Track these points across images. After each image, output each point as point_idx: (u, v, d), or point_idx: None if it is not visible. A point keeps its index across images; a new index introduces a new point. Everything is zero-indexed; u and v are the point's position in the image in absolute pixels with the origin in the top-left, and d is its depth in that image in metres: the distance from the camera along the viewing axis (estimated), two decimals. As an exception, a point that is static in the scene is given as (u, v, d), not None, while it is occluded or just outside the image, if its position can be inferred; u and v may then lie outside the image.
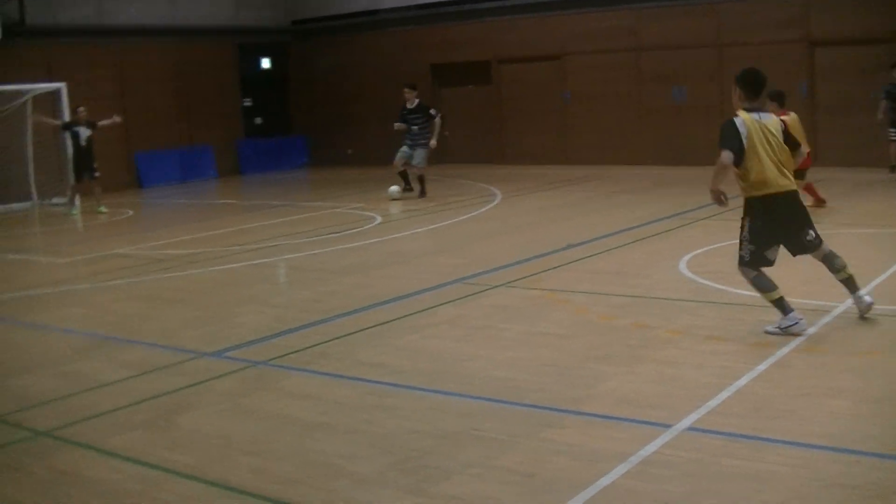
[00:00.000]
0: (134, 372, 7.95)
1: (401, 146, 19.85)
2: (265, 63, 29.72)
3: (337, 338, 8.71)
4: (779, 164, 7.93)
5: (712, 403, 6.34)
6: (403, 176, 19.81)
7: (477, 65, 26.63)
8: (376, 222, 16.21)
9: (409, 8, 27.55)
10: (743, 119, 7.91)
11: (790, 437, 5.70)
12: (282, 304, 10.44)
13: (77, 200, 20.59)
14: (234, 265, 12.81)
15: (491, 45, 26.28)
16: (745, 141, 7.84)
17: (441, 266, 11.89)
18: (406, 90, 19.80)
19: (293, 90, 30.27)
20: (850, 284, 8.26)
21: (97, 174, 20.14)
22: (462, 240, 13.84)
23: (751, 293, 9.32)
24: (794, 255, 8.28)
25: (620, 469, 5.34)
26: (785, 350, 7.49)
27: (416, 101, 19.69)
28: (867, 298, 8.23)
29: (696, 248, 12.05)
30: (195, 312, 10.16)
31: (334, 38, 29.11)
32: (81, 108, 20.27)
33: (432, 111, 19.64)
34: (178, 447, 6.19)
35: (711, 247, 12.09)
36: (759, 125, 7.92)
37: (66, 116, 21.33)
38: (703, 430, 5.88)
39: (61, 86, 22.12)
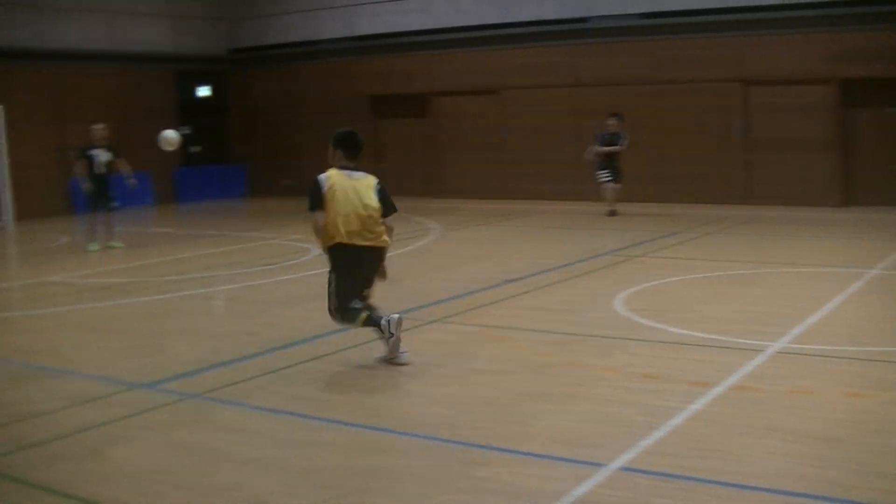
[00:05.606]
0: (67, 403, 7.83)
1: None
2: (204, 91, 29.52)
3: (273, 371, 8.65)
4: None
5: (646, 442, 6.39)
6: None
7: (414, 97, 26.72)
8: (313, 254, 16.12)
9: (347, 39, 27.59)
10: (328, 175, 8.53)
11: (724, 476, 5.76)
12: (217, 336, 10.34)
13: (96, 234, 17.65)
14: (168, 295, 12.66)
15: (427, 79, 26.40)
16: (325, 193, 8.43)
17: (375, 300, 11.80)
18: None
19: (232, 119, 30.11)
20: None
21: (114, 204, 17.47)
22: (394, 274, 13.78)
23: (686, 331, 9.44)
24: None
25: (555, 508, 5.36)
26: (720, 388, 7.57)
27: None
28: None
29: (634, 285, 12.16)
30: (130, 342, 10.03)
31: (272, 67, 29.08)
32: (97, 126, 16.83)
33: None
34: (109, 481, 6.09)
35: (648, 284, 12.21)
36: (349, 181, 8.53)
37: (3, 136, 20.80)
38: (637, 470, 5.92)
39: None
